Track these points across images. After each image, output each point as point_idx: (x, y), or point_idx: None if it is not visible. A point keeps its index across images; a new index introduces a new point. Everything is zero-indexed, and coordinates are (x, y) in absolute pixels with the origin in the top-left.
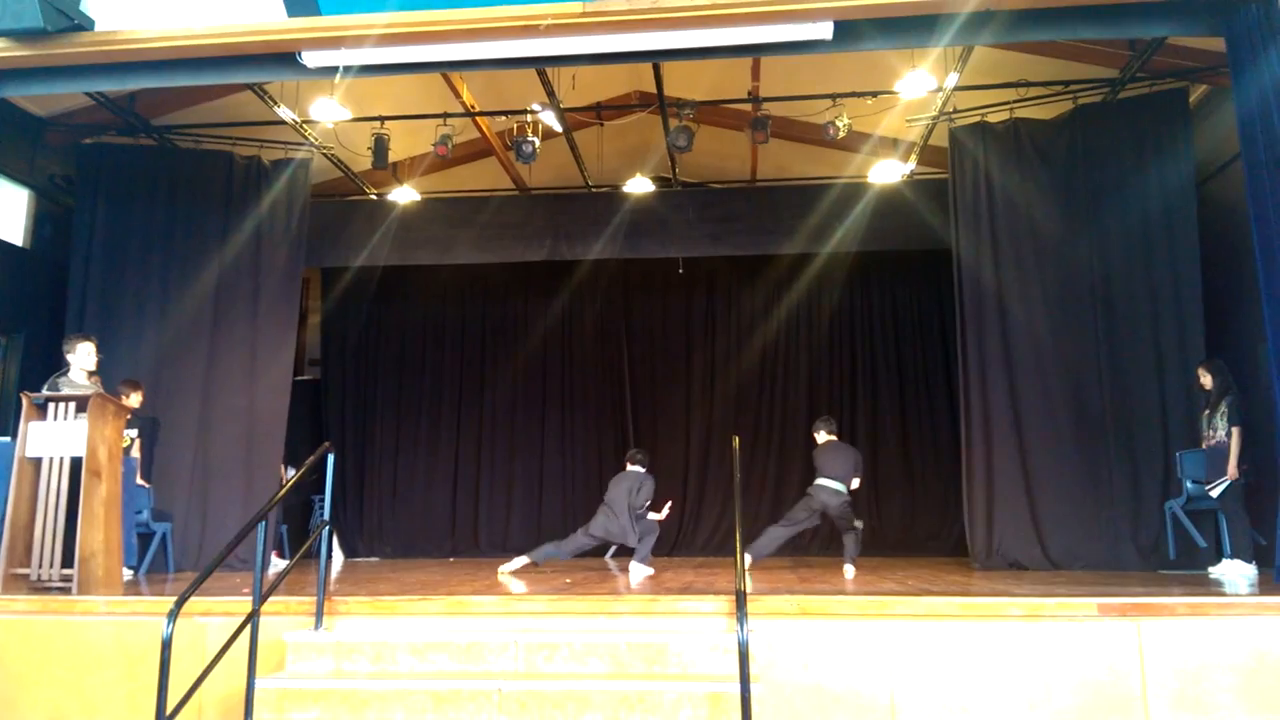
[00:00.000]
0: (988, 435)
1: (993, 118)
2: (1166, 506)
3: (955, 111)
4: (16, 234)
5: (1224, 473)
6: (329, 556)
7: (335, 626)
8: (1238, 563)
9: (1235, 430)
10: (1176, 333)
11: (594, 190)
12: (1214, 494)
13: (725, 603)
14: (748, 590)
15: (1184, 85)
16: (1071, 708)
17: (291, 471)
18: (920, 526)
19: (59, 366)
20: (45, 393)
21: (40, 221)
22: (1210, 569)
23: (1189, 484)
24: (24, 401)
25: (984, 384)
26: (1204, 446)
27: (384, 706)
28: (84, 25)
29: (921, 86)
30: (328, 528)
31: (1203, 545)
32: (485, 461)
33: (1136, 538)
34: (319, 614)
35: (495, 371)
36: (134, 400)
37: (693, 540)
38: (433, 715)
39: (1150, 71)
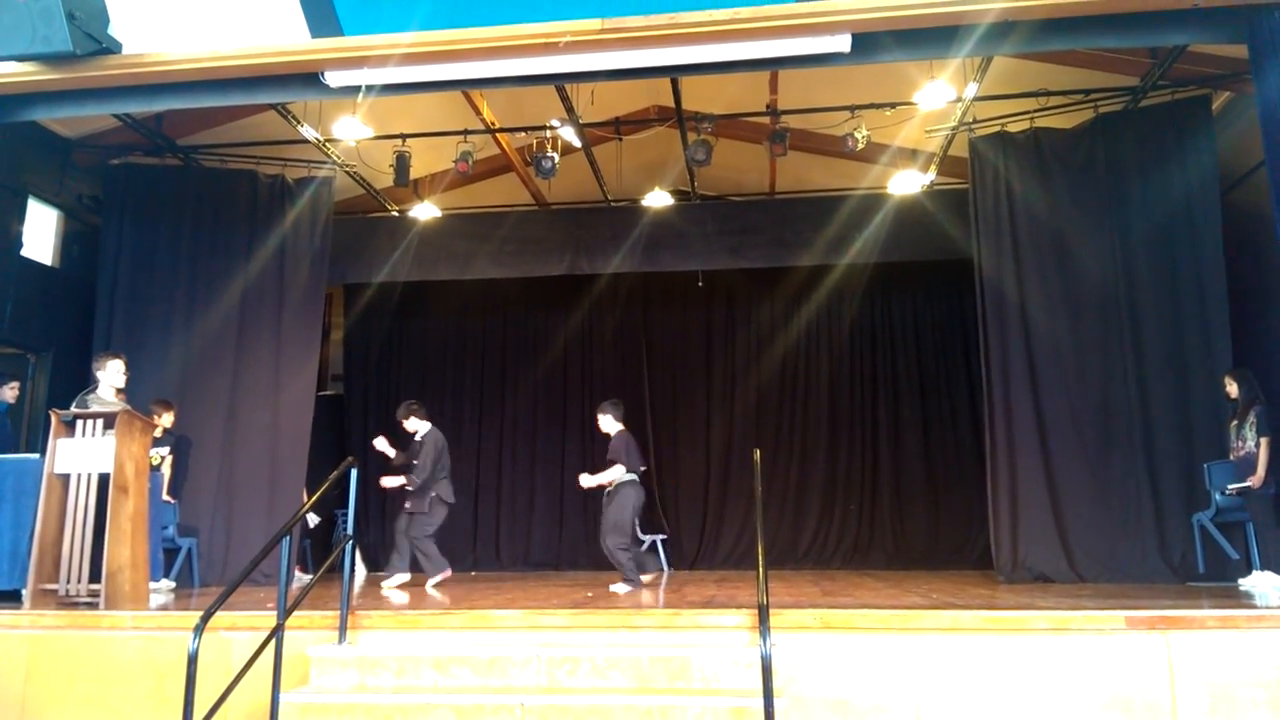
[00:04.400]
0: (1012, 447)
1: (1013, 127)
2: (1195, 519)
3: (975, 121)
4: (46, 253)
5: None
6: (352, 571)
7: (359, 641)
8: (1268, 574)
9: (1264, 441)
10: (1202, 342)
11: (613, 204)
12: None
13: (748, 616)
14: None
15: (1206, 92)
16: None
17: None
18: (944, 539)
19: (86, 384)
20: (74, 410)
21: (69, 241)
22: (1240, 581)
23: (1218, 496)
24: (53, 418)
25: (1007, 395)
26: (1232, 458)
27: None
28: (112, 49)
29: (940, 97)
30: (351, 542)
31: (1235, 557)
32: (506, 475)
33: (1164, 550)
34: (343, 628)
35: (516, 385)
36: (166, 420)
37: (714, 553)
38: None
39: (1172, 79)
